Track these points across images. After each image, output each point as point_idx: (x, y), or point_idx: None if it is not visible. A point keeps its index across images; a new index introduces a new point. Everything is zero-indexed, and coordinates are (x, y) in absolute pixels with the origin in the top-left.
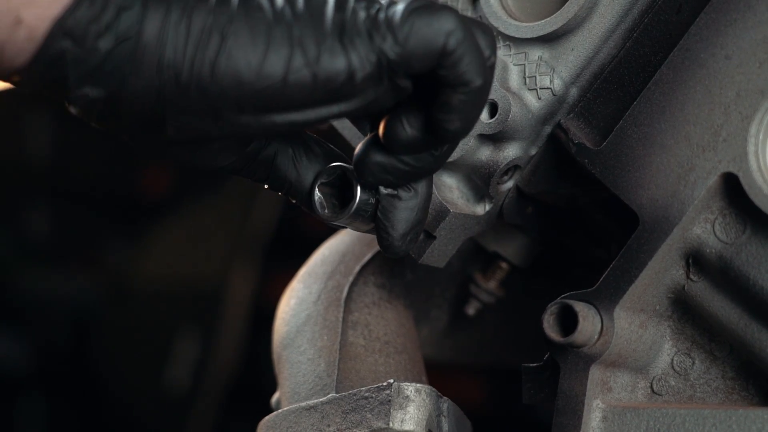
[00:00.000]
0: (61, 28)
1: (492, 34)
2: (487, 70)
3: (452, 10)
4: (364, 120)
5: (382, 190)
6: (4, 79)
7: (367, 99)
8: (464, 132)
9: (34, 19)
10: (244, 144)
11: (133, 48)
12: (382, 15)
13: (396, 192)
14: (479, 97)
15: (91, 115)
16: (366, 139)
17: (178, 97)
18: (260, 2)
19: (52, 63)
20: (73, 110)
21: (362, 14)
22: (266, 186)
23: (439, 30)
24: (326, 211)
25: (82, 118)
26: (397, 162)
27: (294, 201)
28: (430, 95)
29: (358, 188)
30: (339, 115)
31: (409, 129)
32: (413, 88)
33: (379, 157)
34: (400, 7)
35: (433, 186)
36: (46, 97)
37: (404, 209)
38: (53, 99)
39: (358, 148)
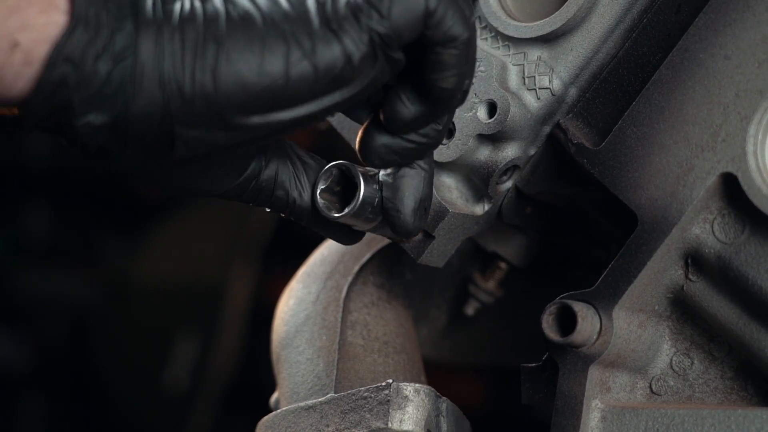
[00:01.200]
0: (60, 53)
1: None
2: (471, 22)
3: None
4: (361, 108)
5: (383, 175)
6: (4, 113)
7: (366, 79)
8: (459, 88)
9: (30, 43)
10: (244, 165)
11: (131, 67)
12: None
13: (398, 170)
14: (468, 49)
15: (94, 145)
16: (365, 124)
17: (184, 111)
18: (248, 10)
19: (55, 89)
20: (74, 147)
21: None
22: (268, 209)
23: None
24: (333, 212)
25: (83, 154)
26: (402, 141)
27: (298, 221)
28: (421, 63)
29: (361, 179)
30: (342, 104)
31: (410, 105)
32: (405, 61)
33: (383, 139)
34: None
35: (433, 186)
36: (45, 131)
37: (410, 186)
38: (53, 134)
39: (359, 134)
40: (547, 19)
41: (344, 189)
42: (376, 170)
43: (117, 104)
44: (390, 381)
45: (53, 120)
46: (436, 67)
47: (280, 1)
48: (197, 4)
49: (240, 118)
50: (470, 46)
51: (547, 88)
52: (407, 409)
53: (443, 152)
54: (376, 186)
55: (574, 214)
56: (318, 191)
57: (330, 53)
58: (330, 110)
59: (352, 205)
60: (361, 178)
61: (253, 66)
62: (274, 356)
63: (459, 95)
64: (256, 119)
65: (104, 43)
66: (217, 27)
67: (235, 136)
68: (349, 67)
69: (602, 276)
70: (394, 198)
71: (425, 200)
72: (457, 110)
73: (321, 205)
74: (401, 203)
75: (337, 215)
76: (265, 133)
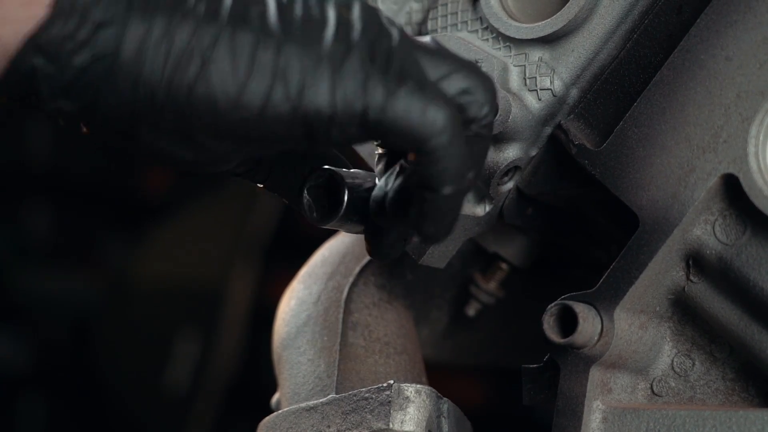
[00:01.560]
0: (33, 44)
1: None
2: (462, 180)
3: (451, 107)
4: None
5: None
6: None
7: (344, 141)
8: (441, 236)
9: (9, 36)
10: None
11: (109, 65)
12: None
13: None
14: (447, 204)
15: (69, 123)
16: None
17: (152, 116)
18: (251, 18)
19: (23, 78)
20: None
21: (362, 55)
22: (261, 186)
23: (426, 124)
24: (315, 214)
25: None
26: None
27: (287, 202)
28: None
29: (346, 193)
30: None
31: (389, 247)
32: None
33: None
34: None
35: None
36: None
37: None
38: (29, 109)
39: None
40: (549, 20)
41: (333, 191)
42: (368, 180)
43: (87, 95)
44: (391, 382)
45: (25, 101)
46: (417, 209)
47: (295, 16)
48: (201, 6)
49: (207, 139)
50: (450, 200)
51: (548, 89)
52: (408, 409)
53: None
54: (364, 195)
55: (575, 215)
56: (306, 186)
57: (314, 102)
58: (307, 150)
59: (333, 216)
60: (346, 195)
61: (231, 95)
62: (275, 357)
63: (441, 239)
64: (225, 144)
65: (85, 38)
66: (209, 40)
67: (202, 155)
68: (327, 125)
69: (603, 277)
70: (378, 225)
71: (407, 240)
72: None
73: (305, 202)
74: (382, 234)
75: (316, 218)
76: (234, 157)
